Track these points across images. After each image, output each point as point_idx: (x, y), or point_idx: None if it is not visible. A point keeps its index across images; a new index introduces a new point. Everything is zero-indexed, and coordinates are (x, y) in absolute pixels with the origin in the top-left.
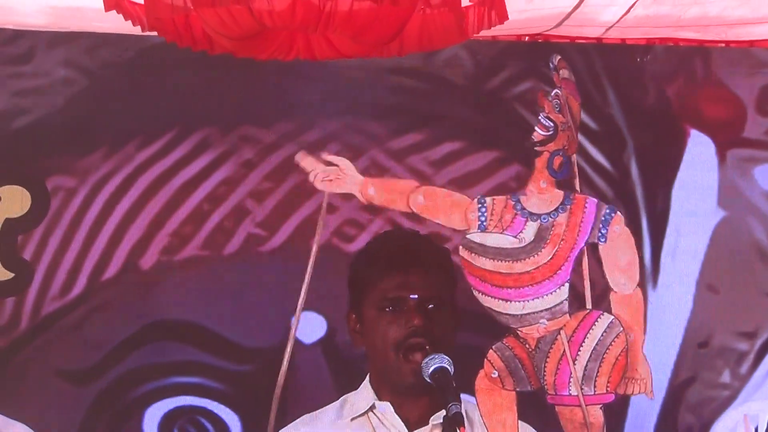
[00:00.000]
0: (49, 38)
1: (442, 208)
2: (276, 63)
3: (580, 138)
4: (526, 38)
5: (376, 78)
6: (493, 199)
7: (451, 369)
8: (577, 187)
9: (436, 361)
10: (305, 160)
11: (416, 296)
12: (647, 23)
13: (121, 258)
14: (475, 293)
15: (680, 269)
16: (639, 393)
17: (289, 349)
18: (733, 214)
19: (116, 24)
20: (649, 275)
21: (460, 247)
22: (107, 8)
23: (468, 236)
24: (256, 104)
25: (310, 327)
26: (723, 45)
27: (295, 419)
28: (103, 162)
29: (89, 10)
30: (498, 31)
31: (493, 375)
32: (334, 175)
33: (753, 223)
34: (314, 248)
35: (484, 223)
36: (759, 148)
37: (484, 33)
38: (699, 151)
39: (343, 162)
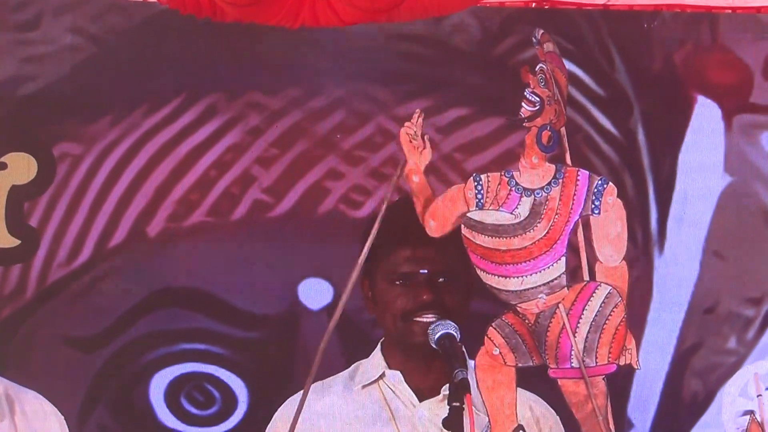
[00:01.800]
0: (55, 5)
1: (449, 212)
2: (282, 30)
3: (587, 104)
4: (533, 4)
5: (383, 44)
6: (488, 176)
7: (457, 335)
8: (568, 161)
9: (442, 328)
10: (418, 117)
11: (426, 271)
12: None
13: (128, 225)
14: (477, 271)
15: (687, 235)
16: (625, 363)
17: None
18: (740, 179)
19: None
20: (655, 241)
21: (462, 225)
22: None
23: (468, 214)
24: (262, 71)
25: (316, 293)
26: (730, 11)
27: (302, 386)
28: (109, 129)
29: None
30: None
31: (494, 352)
32: (418, 143)
33: (759, 188)
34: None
35: (482, 201)
36: (766, 114)
37: None
38: (705, 117)
39: (428, 149)
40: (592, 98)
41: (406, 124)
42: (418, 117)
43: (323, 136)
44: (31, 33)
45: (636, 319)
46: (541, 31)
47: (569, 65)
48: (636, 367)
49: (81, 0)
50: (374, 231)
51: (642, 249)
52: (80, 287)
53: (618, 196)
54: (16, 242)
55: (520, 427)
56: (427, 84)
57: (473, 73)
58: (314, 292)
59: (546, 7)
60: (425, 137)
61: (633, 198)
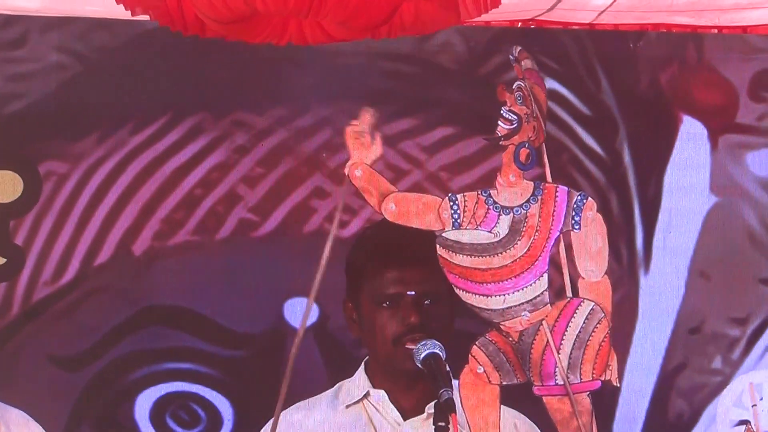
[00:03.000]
0: (41, 23)
1: (414, 212)
2: (269, 48)
3: (573, 124)
4: (519, 24)
5: (369, 63)
6: (464, 196)
7: (443, 354)
8: (548, 178)
9: (428, 347)
10: (366, 116)
11: (413, 293)
12: (640, 8)
13: (114, 243)
14: (457, 290)
15: (672, 255)
16: (606, 379)
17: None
18: (726, 200)
19: (108, 8)
20: (641, 261)
21: (437, 245)
22: None
23: (444, 234)
24: (249, 89)
25: (302, 312)
26: (716, 30)
27: (289, 404)
28: (95, 147)
29: None
30: (491, 16)
31: (478, 370)
32: (365, 139)
33: (745, 209)
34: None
35: (458, 221)
36: (751, 134)
37: (477, 18)
38: (691, 136)
39: (377, 144)
40: (578, 118)
41: (353, 122)
42: (369, 116)
43: (309, 155)
44: (17, 51)
45: (621, 339)
46: (519, 48)
47: (555, 84)
48: (615, 384)
49: (67, 18)
50: (327, 250)
51: (627, 269)
52: (66, 306)
53: (603, 215)
54: (2, 260)
55: None
56: (412, 103)
57: (459, 92)
58: (300, 312)
59: (532, 26)
60: (375, 135)
61: (618, 218)
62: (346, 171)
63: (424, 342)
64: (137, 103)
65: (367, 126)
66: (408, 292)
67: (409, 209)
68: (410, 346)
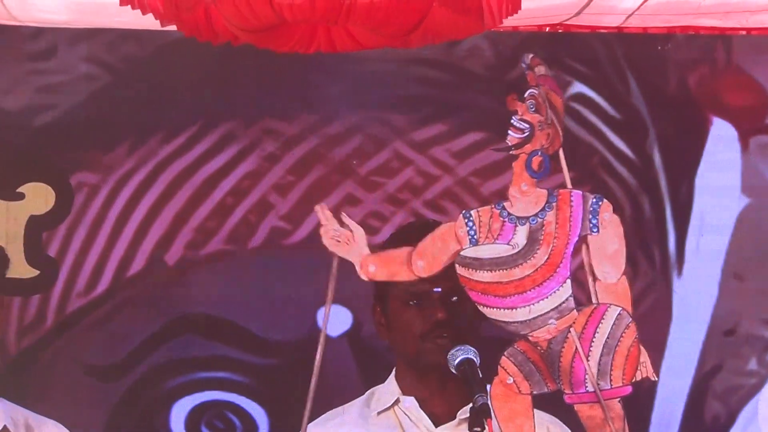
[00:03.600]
0: (70, 34)
1: (439, 252)
2: (298, 56)
3: (603, 127)
4: (547, 29)
5: (398, 69)
6: (478, 211)
7: (477, 360)
8: (568, 184)
9: (462, 353)
10: (323, 213)
11: (440, 289)
12: (667, 11)
13: (146, 253)
14: (480, 308)
15: (705, 257)
16: (642, 378)
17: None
18: (757, 200)
19: (137, 19)
20: (673, 264)
21: (456, 264)
22: (122, 2)
23: (462, 253)
24: (278, 97)
25: (335, 320)
26: (744, 32)
27: (321, 412)
28: (126, 157)
29: (110, 5)
30: (518, 21)
31: (508, 381)
32: (344, 238)
33: None
34: (327, 310)
35: (475, 237)
36: None
37: (505, 23)
38: (722, 138)
39: (358, 231)
40: (608, 121)
41: (321, 229)
42: (322, 211)
43: (340, 162)
44: (47, 62)
45: (656, 342)
46: (531, 55)
47: (584, 88)
48: (653, 378)
49: (96, 29)
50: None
51: (660, 272)
52: (100, 316)
53: (635, 219)
54: (35, 272)
55: None
56: (442, 108)
57: (488, 97)
58: (333, 319)
59: (560, 30)
60: (344, 221)
61: (650, 221)
62: (362, 274)
63: (458, 347)
64: (167, 112)
65: (331, 220)
66: (434, 289)
67: (433, 254)
68: (438, 341)
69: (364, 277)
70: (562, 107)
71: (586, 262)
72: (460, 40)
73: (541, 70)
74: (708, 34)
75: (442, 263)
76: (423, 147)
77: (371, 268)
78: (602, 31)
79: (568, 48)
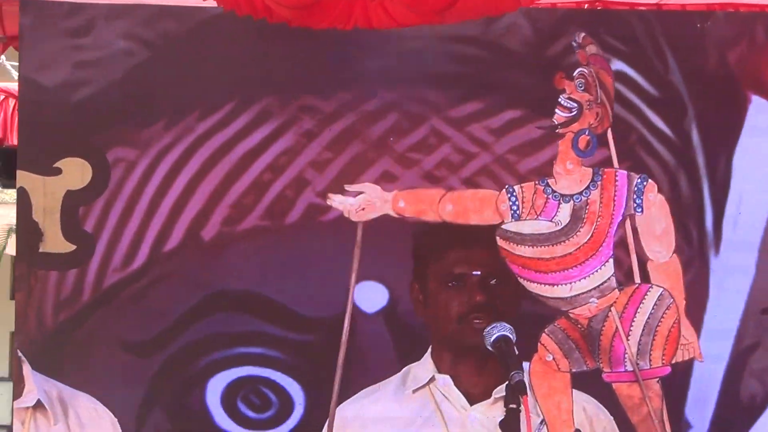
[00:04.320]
0: (107, 10)
1: (472, 209)
2: (335, 33)
3: (641, 105)
4: (586, 5)
5: (435, 47)
6: (522, 187)
7: (513, 337)
8: (615, 163)
9: (498, 330)
10: (334, 200)
11: (479, 272)
12: None
13: (183, 229)
14: (521, 281)
15: (742, 235)
16: (688, 358)
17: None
18: None
19: None
20: (711, 242)
21: (497, 237)
22: None
23: (503, 226)
24: (316, 74)
25: (371, 296)
26: None
27: (358, 388)
28: (163, 133)
29: None
30: None
31: (547, 358)
32: (365, 203)
33: None
34: (353, 279)
35: (517, 212)
36: None
37: (543, 0)
38: (760, 116)
39: (368, 188)
40: (646, 99)
41: (344, 213)
42: (332, 200)
43: (377, 139)
44: (84, 38)
45: (692, 320)
46: (582, 34)
47: (623, 66)
48: (699, 360)
49: (133, 5)
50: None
51: (697, 250)
52: (136, 291)
53: (673, 196)
54: (72, 247)
55: (578, 431)
56: (479, 86)
57: (526, 75)
58: (369, 295)
59: (598, 7)
60: (349, 189)
61: (688, 199)
62: (391, 209)
63: (494, 325)
64: (204, 89)
65: (344, 201)
66: (474, 272)
67: (466, 207)
68: (476, 323)
69: (392, 213)
70: (612, 87)
71: (630, 242)
72: (498, 17)
73: (592, 49)
74: (747, 11)
75: (468, 219)
76: (460, 124)
77: (401, 203)
78: (641, 8)
79: (607, 25)
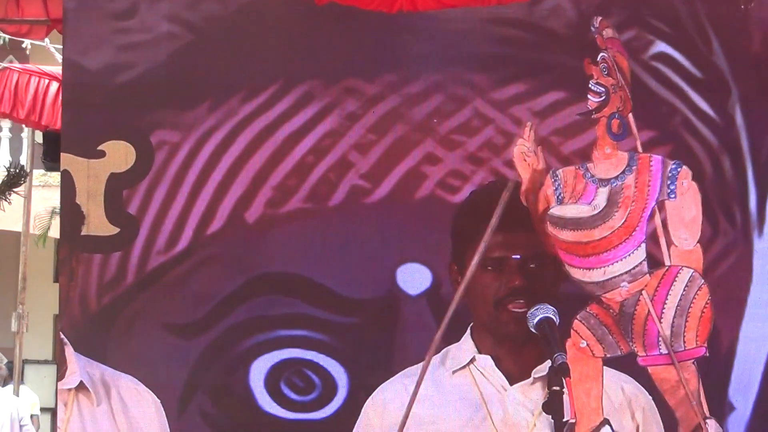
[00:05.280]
0: None
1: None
2: (379, 15)
3: (685, 87)
4: None
5: (479, 29)
6: (563, 171)
7: (556, 319)
8: (639, 148)
9: (542, 312)
10: (530, 132)
11: (519, 256)
12: None
13: (226, 211)
14: (566, 267)
15: None
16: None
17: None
18: None
19: None
20: (754, 223)
21: (547, 222)
22: None
23: (550, 211)
24: (359, 57)
25: (415, 278)
26: None
27: (400, 369)
28: (207, 116)
29: None
30: None
31: (581, 345)
32: (531, 160)
33: None
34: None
35: (561, 196)
36: None
37: None
38: None
39: (542, 165)
40: (690, 80)
41: (520, 141)
42: (530, 130)
43: (420, 121)
44: (128, 21)
45: (736, 303)
46: (600, 18)
47: (666, 48)
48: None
49: None
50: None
51: (741, 231)
52: (179, 274)
53: (716, 178)
54: (116, 230)
55: (606, 421)
56: (523, 68)
57: (569, 57)
58: (413, 278)
59: None
60: (539, 151)
61: (732, 180)
62: (522, 197)
63: (538, 306)
64: (248, 71)
65: (533, 143)
66: (513, 256)
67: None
68: (515, 310)
69: (524, 201)
70: (629, 70)
71: (659, 226)
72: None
73: (608, 32)
74: None
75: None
76: (503, 106)
77: (532, 196)
78: None
79: (650, 7)
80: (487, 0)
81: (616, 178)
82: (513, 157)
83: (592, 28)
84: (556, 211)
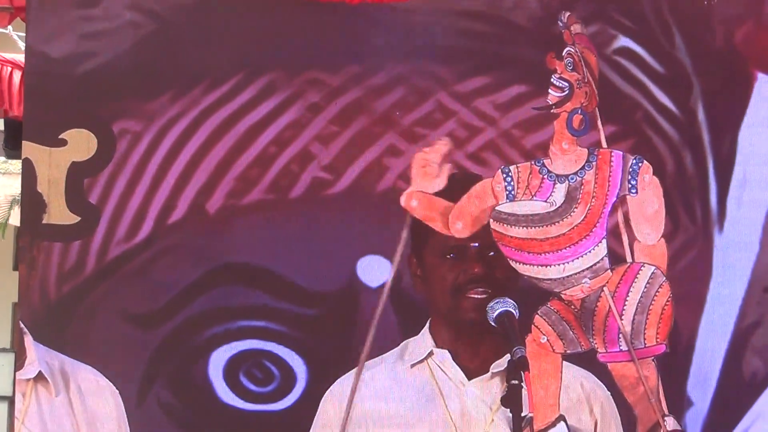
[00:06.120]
0: None
1: (475, 211)
2: (343, 6)
3: (647, 82)
4: None
5: (443, 21)
6: (518, 167)
7: (516, 313)
8: (603, 143)
9: (501, 305)
10: (441, 146)
11: (477, 244)
12: None
13: (187, 202)
14: (513, 263)
15: (746, 213)
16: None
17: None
18: None
19: None
20: (715, 219)
21: (491, 220)
22: None
23: (497, 208)
24: (322, 48)
25: (375, 271)
26: None
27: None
28: (169, 106)
29: None
30: None
31: (541, 340)
32: (432, 171)
33: None
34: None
35: (512, 192)
36: None
37: None
38: (766, 94)
39: (442, 180)
40: (652, 76)
41: (425, 149)
42: (443, 146)
43: (383, 113)
44: (92, 9)
45: (695, 298)
46: (568, 14)
47: (629, 43)
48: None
49: None
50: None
51: (702, 227)
52: (140, 264)
53: (678, 174)
54: (76, 219)
55: (562, 417)
56: (486, 61)
57: (533, 50)
58: (373, 270)
59: None
60: (443, 166)
61: (693, 176)
62: (403, 202)
63: (497, 300)
64: (211, 61)
65: (439, 156)
66: (472, 244)
67: (471, 213)
68: (474, 296)
69: (402, 203)
70: (597, 65)
71: (621, 222)
72: None
73: (576, 28)
74: None
75: (480, 222)
76: (466, 99)
77: (413, 202)
78: None
79: (615, 2)
80: None
81: (576, 173)
82: (412, 165)
83: (560, 23)
84: (505, 208)
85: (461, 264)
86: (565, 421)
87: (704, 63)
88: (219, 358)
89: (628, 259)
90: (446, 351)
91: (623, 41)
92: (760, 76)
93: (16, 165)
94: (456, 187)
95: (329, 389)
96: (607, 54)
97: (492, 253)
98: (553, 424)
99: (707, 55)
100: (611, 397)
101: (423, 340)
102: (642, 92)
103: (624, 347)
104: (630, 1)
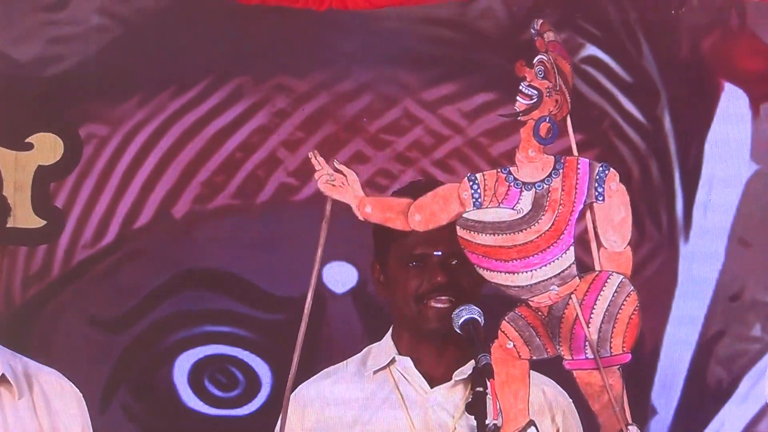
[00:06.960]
0: None
1: (438, 210)
2: (310, 12)
3: (614, 90)
4: None
5: (410, 28)
6: (484, 175)
7: (481, 320)
8: (575, 151)
9: (466, 312)
10: (316, 159)
11: (440, 252)
12: None
13: (154, 206)
14: (480, 270)
15: (712, 223)
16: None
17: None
18: (766, 167)
19: None
20: (681, 228)
21: (457, 227)
22: None
23: (464, 215)
24: (290, 54)
25: (341, 277)
26: None
27: (322, 368)
28: (136, 110)
29: None
30: None
31: (508, 346)
32: (339, 182)
33: None
34: (319, 253)
35: (479, 200)
36: None
37: None
38: (732, 104)
39: (351, 175)
40: (619, 84)
41: (316, 174)
42: (315, 157)
43: (350, 120)
44: (59, 13)
45: (660, 307)
46: (540, 21)
47: (596, 51)
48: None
49: None
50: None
51: (667, 236)
52: (105, 268)
53: (644, 182)
54: (42, 223)
55: (532, 422)
56: (453, 68)
57: (500, 58)
58: (339, 276)
59: None
60: (337, 166)
61: (659, 185)
62: (357, 213)
63: (462, 307)
64: (178, 66)
65: (324, 166)
66: (435, 253)
67: (432, 210)
68: (437, 305)
69: (359, 216)
70: (571, 74)
71: (590, 230)
72: (473, 0)
73: (550, 36)
74: None
75: (439, 221)
76: (433, 106)
77: (368, 208)
78: None
79: (581, 10)
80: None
81: (542, 181)
82: (322, 191)
83: (533, 30)
84: (472, 215)
85: (424, 273)
86: (536, 426)
87: (671, 72)
88: (184, 363)
89: (596, 267)
90: (408, 358)
91: (590, 50)
92: (727, 85)
93: None
94: (419, 195)
95: (292, 395)
96: (575, 63)
97: (455, 262)
98: (524, 430)
99: (674, 64)
100: (573, 404)
101: (385, 347)
102: (609, 101)
103: (590, 355)
104: (597, 10)
